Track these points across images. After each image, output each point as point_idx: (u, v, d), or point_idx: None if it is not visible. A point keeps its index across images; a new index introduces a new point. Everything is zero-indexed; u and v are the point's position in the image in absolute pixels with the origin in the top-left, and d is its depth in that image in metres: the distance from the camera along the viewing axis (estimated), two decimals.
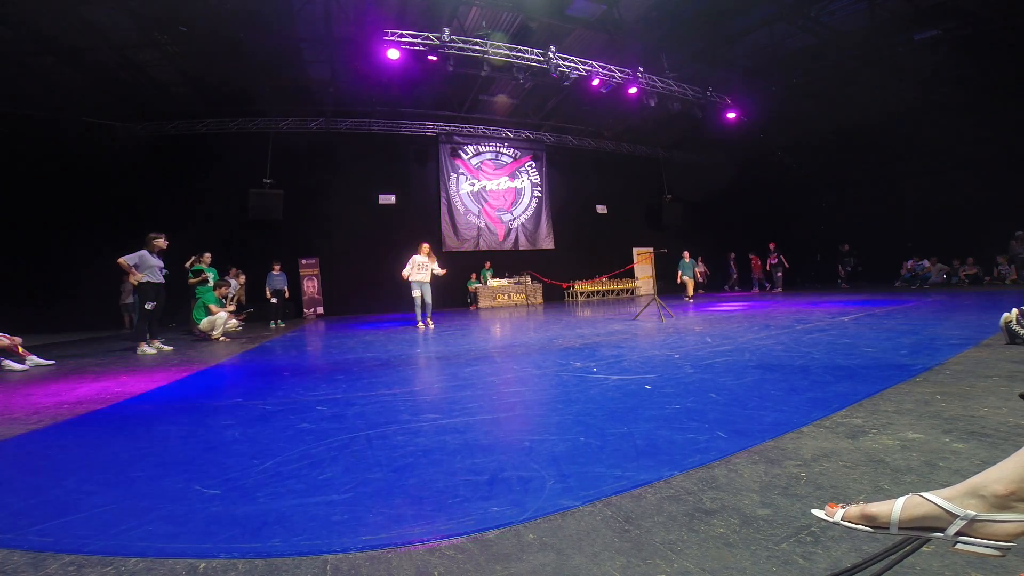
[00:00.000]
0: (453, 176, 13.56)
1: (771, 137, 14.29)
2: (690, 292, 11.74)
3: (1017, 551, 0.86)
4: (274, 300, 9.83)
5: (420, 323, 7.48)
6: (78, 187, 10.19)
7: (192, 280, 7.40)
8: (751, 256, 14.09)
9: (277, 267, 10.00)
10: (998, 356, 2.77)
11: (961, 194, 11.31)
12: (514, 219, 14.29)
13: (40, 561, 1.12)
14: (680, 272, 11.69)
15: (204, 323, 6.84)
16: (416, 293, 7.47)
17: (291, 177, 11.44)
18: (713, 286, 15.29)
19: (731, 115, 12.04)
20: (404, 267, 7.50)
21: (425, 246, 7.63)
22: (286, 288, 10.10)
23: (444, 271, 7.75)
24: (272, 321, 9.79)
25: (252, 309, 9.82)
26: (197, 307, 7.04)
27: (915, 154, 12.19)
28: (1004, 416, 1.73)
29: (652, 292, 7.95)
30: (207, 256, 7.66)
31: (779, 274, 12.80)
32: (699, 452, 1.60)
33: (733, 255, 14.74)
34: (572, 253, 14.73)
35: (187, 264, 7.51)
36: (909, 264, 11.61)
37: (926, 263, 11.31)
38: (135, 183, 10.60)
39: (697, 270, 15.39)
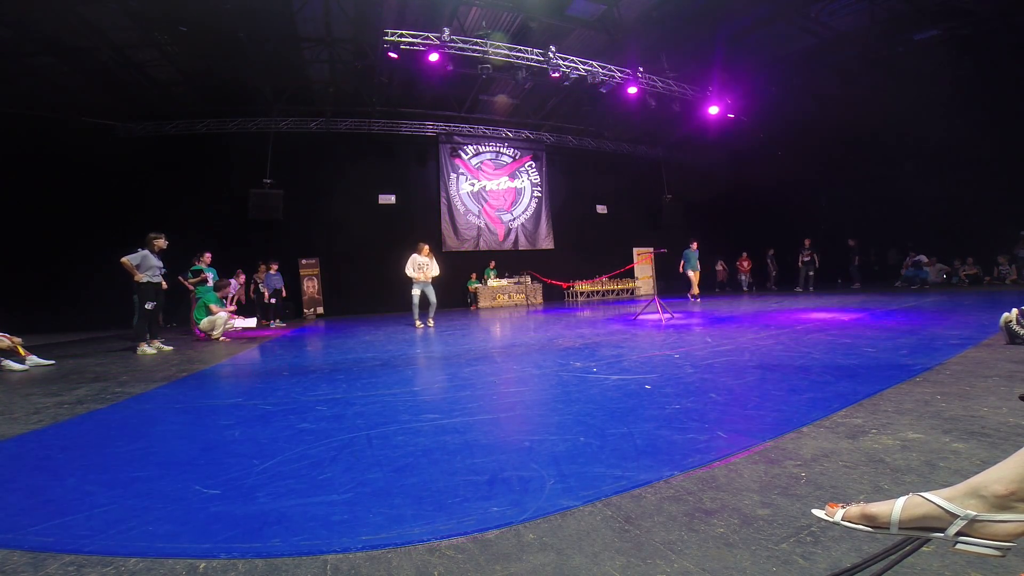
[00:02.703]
0: (453, 176, 13.57)
1: (771, 137, 14.28)
2: (695, 290, 10.70)
3: (1017, 551, 0.86)
4: (273, 300, 9.90)
5: (418, 322, 7.48)
6: (78, 187, 10.19)
7: (191, 280, 7.41)
8: (743, 254, 13.93)
9: (275, 267, 10.09)
10: (998, 356, 2.77)
11: (961, 194, 11.30)
12: (514, 219, 14.29)
13: (40, 561, 1.12)
14: (683, 263, 10.63)
15: (204, 323, 6.84)
16: (416, 292, 7.50)
17: (291, 177, 11.45)
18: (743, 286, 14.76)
19: (731, 115, 12.03)
20: (406, 268, 7.53)
21: (425, 247, 7.65)
22: (283, 287, 10.20)
23: (437, 273, 7.80)
24: (271, 321, 9.84)
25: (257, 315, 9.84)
26: (198, 307, 7.04)
27: (915, 154, 12.19)
28: (1004, 416, 1.73)
29: (652, 292, 7.92)
30: (207, 256, 7.67)
31: (811, 273, 12.16)
32: (699, 452, 1.60)
33: (772, 252, 14.06)
34: (572, 253, 14.72)
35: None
36: (908, 261, 11.42)
37: (923, 258, 11.12)
38: (135, 183, 10.61)
39: (718, 268, 15.27)
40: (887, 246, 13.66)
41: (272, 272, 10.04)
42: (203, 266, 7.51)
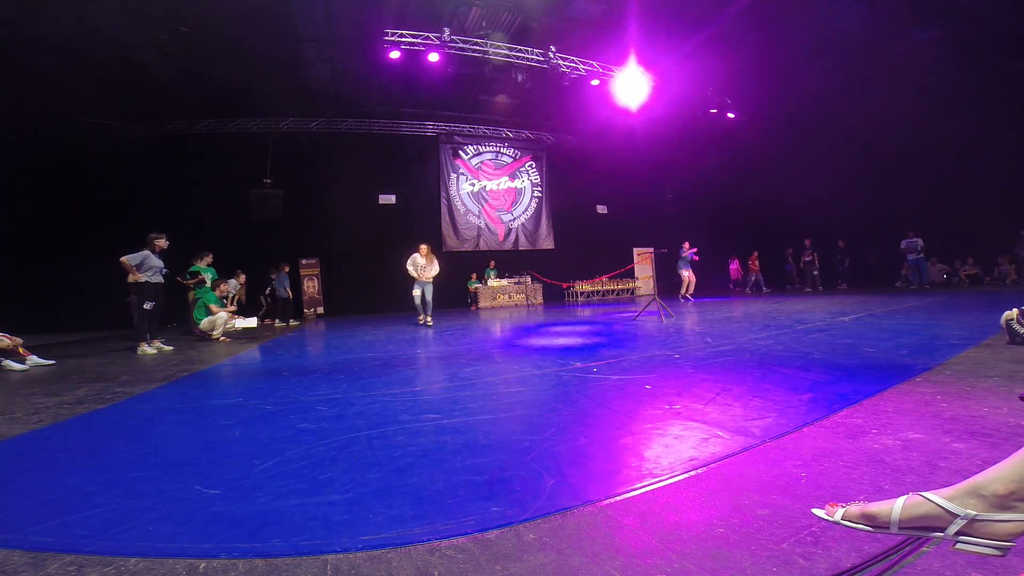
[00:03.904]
0: (453, 176, 13.57)
1: (771, 137, 14.27)
2: (686, 290, 10.67)
3: (1017, 551, 0.86)
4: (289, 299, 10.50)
5: (420, 318, 7.66)
6: (78, 187, 10.20)
7: (189, 281, 7.41)
8: (753, 252, 13.58)
9: (287, 268, 10.60)
10: (998, 356, 2.76)
11: (961, 194, 11.30)
12: (514, 219, 14.29)
13: (40, 561, 1.12)
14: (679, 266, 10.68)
15: (204, 323, 6.84)
16: (416, 292, 7.61)
17: (291, 177, 11.45)
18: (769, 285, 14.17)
19: (731, 115, 12.03)
20: (407, 266, 7.61)
21: (424, 247, 7.69)
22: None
23: (437, 272, 7.86)
24: (281, 320, 10.14)
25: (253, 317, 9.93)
26: (197, 307, 7.04)
27: (915, 154, 12.19)
28: (1004, 416, 1.73)
29: (652, 292, 7.91)
30: (208, 257, 7.69)
31: (815, 272, 12.24)
32: (699, 452, 1.60)
33: (791, 251, 13.71)
34: (572, 253, 14.72)
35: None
36: (903, 244, 11.18)
37: (920, 241, 10.81)
38: (135, 183, 10.62)
39: (732, 267, 15.14)
40: (886, 246, 13.65)
41: (285, 272, 10.51)
42: (202, 267, 7.52)
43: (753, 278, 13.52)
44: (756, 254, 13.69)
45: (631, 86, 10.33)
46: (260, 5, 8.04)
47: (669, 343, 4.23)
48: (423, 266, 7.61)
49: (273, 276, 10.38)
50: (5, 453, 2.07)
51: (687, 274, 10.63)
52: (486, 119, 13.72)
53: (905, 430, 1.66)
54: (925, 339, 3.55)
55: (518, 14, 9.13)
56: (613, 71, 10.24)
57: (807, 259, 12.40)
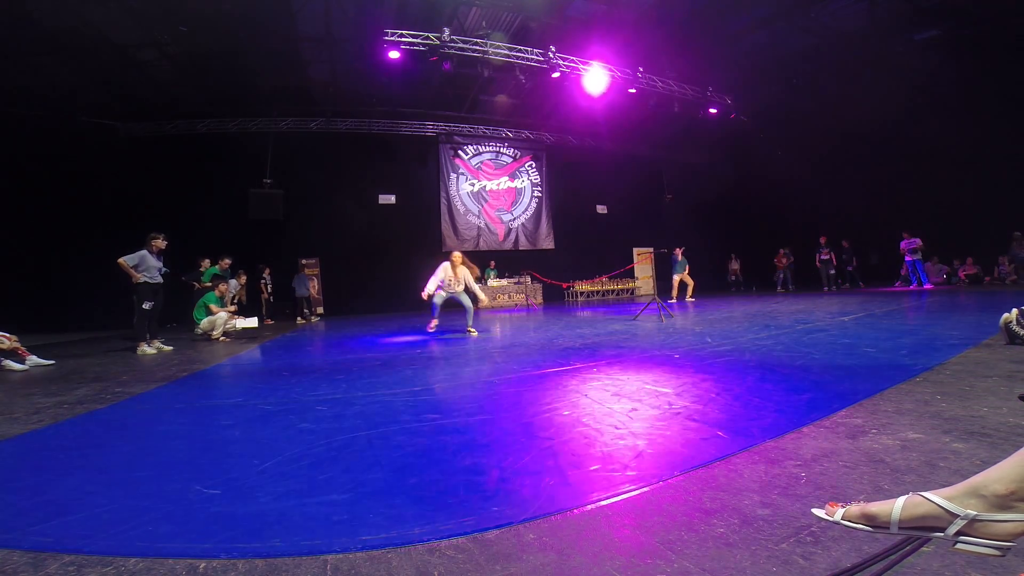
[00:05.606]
0: (453, 176, 13.57)
1: (771, 137, 14.27)
2: (677, 293, 10.94)
3: (1017, 551, 0.86)
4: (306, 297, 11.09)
5: (470, 328, 6.02)
6: (78, 187, 10.19)
7: (204, 284, 7.51)
8: (781, 250, 13.23)
9: (304, 268, 11.31)
10: (998, 356, 2.76)
11: (961, 194, 11.29)
12: (514, 219, 14.29)
13: (40, 561, 1.12)
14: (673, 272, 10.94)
15: (204, 323, 6.84)
16: (438, 303, 6.14)
17: (291, 177, 11.45)
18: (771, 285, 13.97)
19: (731, 115, 12.03)
20: (432, 280, 6.01)
21: (458, 254, 6.24)
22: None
23: (484, 298, 6.36)
24: (299, 317, 10.61)
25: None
26: (198, 307, 7.05)
27: (914, 154, 12.18)
28: (1004, 416, 1.73)
29: (652, 292, 7.90)
30: (226, 261, 7.86)
31: (831, 271, 12.05)
32: (699, 452, 1.60)
33: (790, 249, 13.31)
34: (572, 253, 14.71)
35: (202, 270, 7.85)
36: (902, 245, 11.01)
37: (917, 241, 10.66)
38: (135, 183, 10.61)
39: (733, 267, 15.10)
40: (885, 246, 13.64)
41: (303, 273, 11.11)
42: (218, 270, 7.65)
43: (783, 275, 13.15)
44: (783, 251, 13.31)
45: (631, 86, 10.33)
46: (260, 5, 8.04)
47: (669, 343, 4.23)
48: (452, 279, 6.08)
49: (265, 275, 10.63)
50: (5, 453, 2.07)
51: (676, 278, 10.84)
52: (486, 119, 13.71)
53: (905, 430, 1.65)
54: (925, 339, 3.55)
55: (518, 14, 9.13)
56: (614, 70, 10.23)
57: (824, 258, 12.22)
